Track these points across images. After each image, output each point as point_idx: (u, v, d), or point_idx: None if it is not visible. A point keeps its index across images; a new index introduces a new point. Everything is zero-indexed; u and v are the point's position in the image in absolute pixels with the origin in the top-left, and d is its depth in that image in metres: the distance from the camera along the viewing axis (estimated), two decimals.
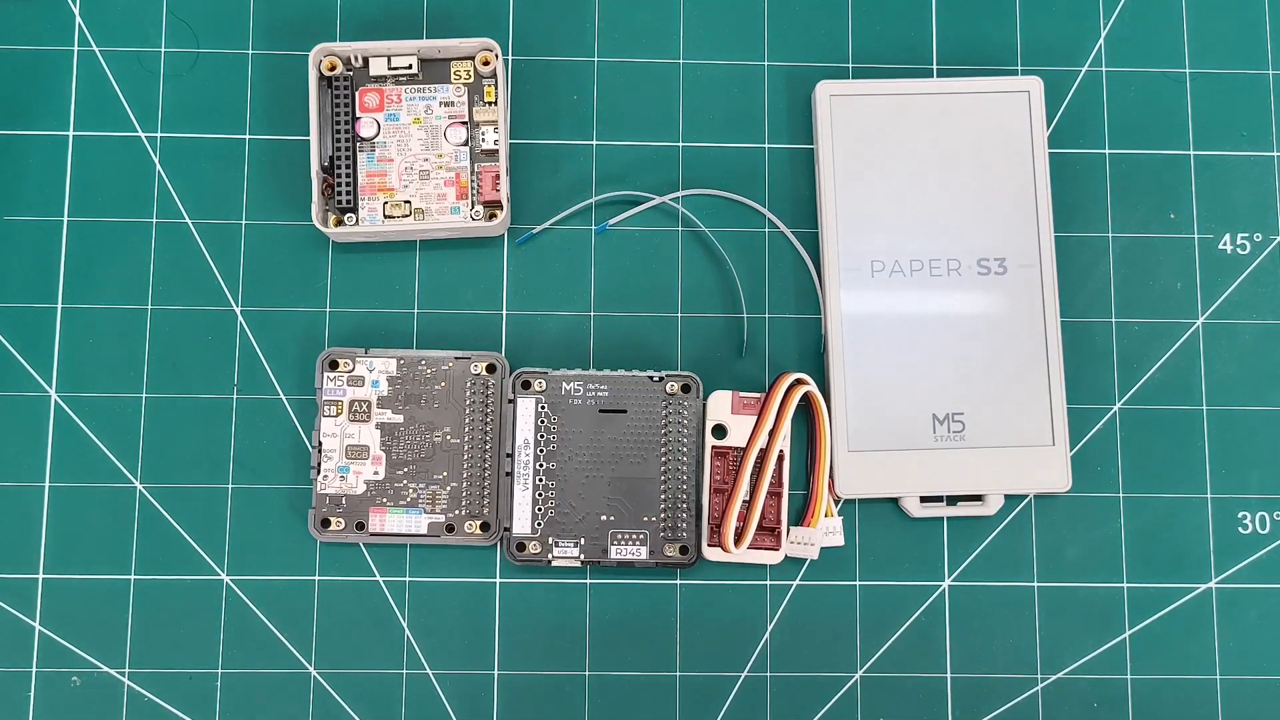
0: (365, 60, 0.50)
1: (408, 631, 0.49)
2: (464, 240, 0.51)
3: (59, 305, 0.50)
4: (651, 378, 0.49)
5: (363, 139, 0.50)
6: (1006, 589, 0.50)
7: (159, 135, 0.51)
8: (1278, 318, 0.52)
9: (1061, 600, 0.50)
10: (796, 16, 0.53)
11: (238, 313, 0.50)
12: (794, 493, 0.50)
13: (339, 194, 0.50)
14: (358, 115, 0.50)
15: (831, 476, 0.49)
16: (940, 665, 0.49)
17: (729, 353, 0.51)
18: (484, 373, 0.49)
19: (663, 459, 0.49)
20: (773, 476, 0.48)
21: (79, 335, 0.50)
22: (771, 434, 0.48)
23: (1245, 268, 0.52)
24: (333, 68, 0.50)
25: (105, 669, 0.49)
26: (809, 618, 0.49)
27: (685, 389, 0.49)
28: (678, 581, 0.50)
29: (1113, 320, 0.51)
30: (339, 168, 0.50)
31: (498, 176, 0.50)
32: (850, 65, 0.53)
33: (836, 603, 0.50)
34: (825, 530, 0.49)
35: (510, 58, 0.52)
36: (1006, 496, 0.50)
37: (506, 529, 0.48)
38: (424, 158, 0.50)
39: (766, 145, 0.52)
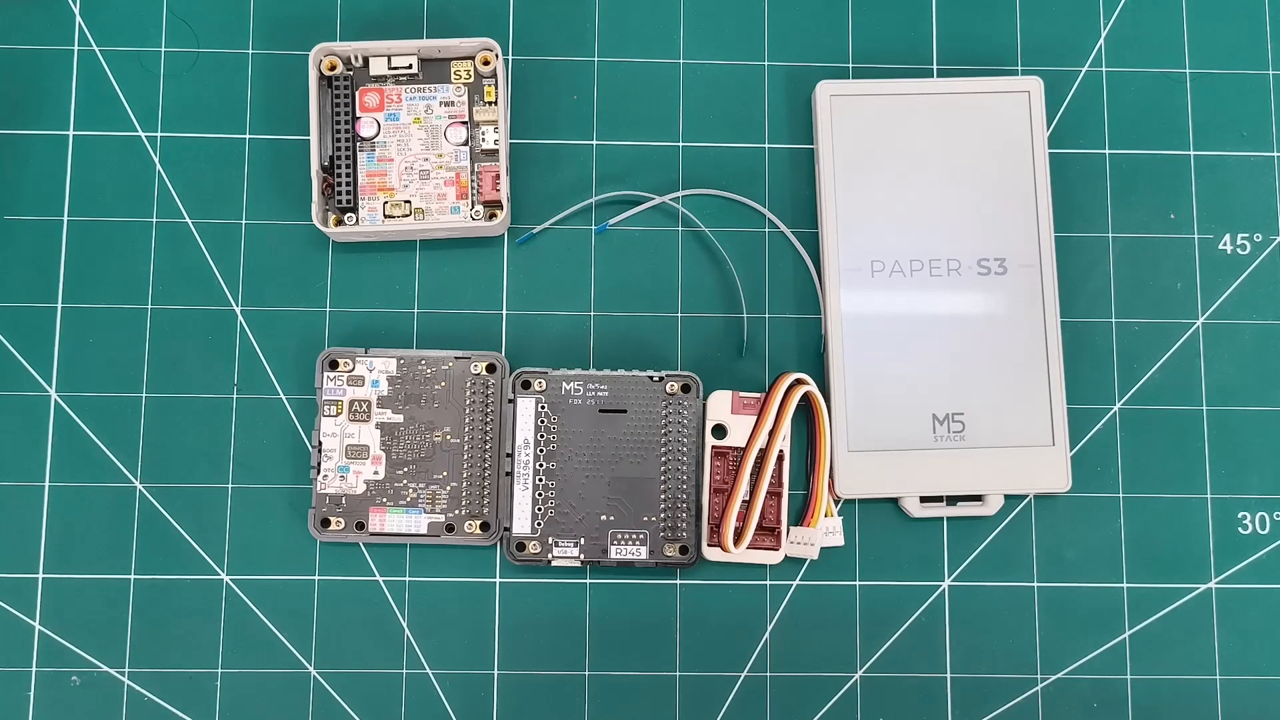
0: (365, 60, 0.50)
1: (408, 631, 0.49)
2: (464, 240, 0.51)
3: (59, 305, 0.50)
4: (651, 378, 0.49)
5: (363, 139, 0.50)
6: (1006, 589, 0.50)
7: (159, 135, 0.51)
8: (1278, 318, 0.52)
9: (1061, 600, 0.50)
10: (796, 16, 0.53)
11: (238, 313, 0.50)
12: (794, 493, 0.50)
13: (339, 194, 0.50)
14: (358, 115, 0.50)
15: (831, 476, 0.49)
16: (940, 665, 0.49)
17: (729, 353, 0.51)
18: (484, 373, 0.49)
19: (663, 459, 0.49)
20: (773, 476, 0.48)
21: (79, 335, 0.50)
22: (771, 434, 0.48)
23: (1245, 268, 0.52)
24: (333, 67, 0.50)
25: (105, 669, 0.49)
26: (809, 618, 0.49)
27: (685, 389, 0.49)
28: (678, 581, 0.50)
29: (1113, 320, 0.51)
30: (339, 167, 0.50)
31: (498, 176, 0.50)
32: (850, 65, 0.53)
33: (836, 603, 0.50)
34: (825, 530, 0.49)
35: (510, 58, 0.52)
36: (1006, 496, 0.50)
37: (506, 529, 0.48)
38: (424, 157, 0.50)
39: (766, 145, 0.52)
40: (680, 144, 0.52)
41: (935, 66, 0.53)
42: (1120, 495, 0.50)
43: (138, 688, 0.48)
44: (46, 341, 0.50)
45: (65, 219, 0.51)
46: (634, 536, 0.48)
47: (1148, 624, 0.50)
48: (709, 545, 0.48)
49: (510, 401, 0.49)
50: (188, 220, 0.51)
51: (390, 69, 0.50)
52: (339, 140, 0.50)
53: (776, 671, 0.49)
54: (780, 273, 0.51)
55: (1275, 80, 0.53)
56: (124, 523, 0.49)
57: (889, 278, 0.50)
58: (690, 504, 0.48)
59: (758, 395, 0.49)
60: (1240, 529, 0.50)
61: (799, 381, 0.48)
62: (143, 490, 0.49)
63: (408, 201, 0.50)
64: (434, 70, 0.50)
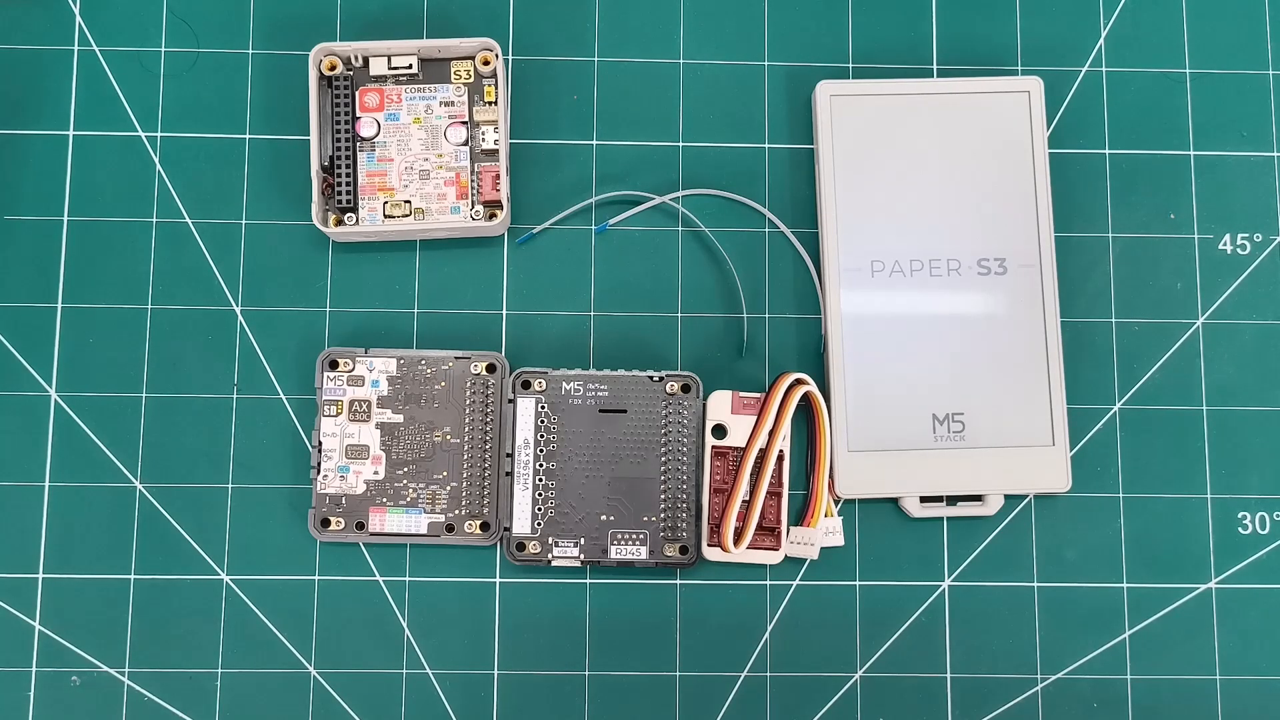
0: (365, 60, 0.50)
1: (408, 631, 0.49)
2: (464, 240, 0.51)
3: (59, 305, 0.50)
4: (651, 378, 0.49)
5: (363, 139, 0.50)
6: (1006, 589, 0.50)
7: (159, 135, 0.51)
8: (1278, 318, 0.52)
9: (1061, 600, 0.50)
10: (796, 16, 0.53)
11: (238, 313, 0.50)
12: (794, 493, 0.50)
13: (339, 194, 0.50)
14: (358, 115, 0.50)
15: (831, 476, 0.49)
16: (940, 665, 0.49)
17: (729, 353, 0.51)
18: (484, 373, 0.49)
19: (663, 459, 0.49)
20: (772, 476, 0.48)
21: (79, 335, 0.50)
22: (771, 434, 0.48)
23: (1245, 268, 0.52)
24: (333, 67, 0.50)
25: (105, 669, 0.49)
26: (809, 618, 0.49)
27: (685, 389, 0.49)
28: (678, 581, 0.50)
29: (1113, 320, 0.51)
30: (339, 167, 0.50)
31: (498, 176, 0.50)
32: (850, 65, 0.53)
33: (836, 603, 0.50)
34: (825, 530, 0.49)
35: (510, 58, 0.52)
36: (1006, 496, 0.50)
37: (506, 529, 0.48)
38: (424, 157, 0.50)
39: (766, 145, 0.52)
40: (680, 144, 0.52)
41: (935, 66, 0.53)
42: (1120, 495, 0.50)
43: (138, 688, 0.48)
44: (46, 341, 0.50)
45: (65, 219, 0.51)
46: (634, 536, 0.48)
47: (1148, 624, 0.50)
48: (709, 545, 0.48)
49: (510, 401, 0.49)
50: (188, 220, 0.51)
51: (390, 69, 0.50)
52: (339, 140, 0.50)
53: (776, 671, 0.49)
54: (780, 273, 0.51)
55: (1275, 80, 0.53)
56: (124, 523, 0.49)
57: (889, 278, 0.50)
58: (690, 504, 0.48)
59: (758, 395, 0.49)
60: (1240, 529, 0.50)
61: (799, 381, 0.48)
62: (143, 490, 0.49)
63: (408, 201, 0.50)
64: (434, 70, 0.50)
